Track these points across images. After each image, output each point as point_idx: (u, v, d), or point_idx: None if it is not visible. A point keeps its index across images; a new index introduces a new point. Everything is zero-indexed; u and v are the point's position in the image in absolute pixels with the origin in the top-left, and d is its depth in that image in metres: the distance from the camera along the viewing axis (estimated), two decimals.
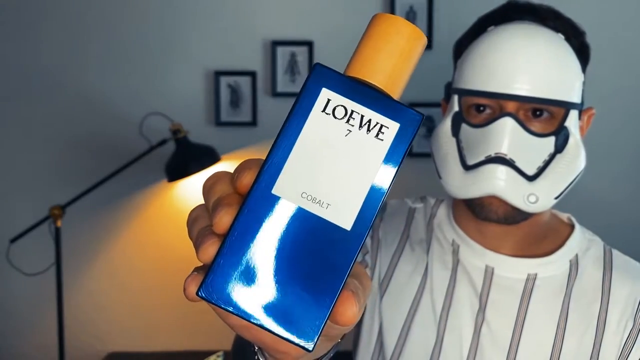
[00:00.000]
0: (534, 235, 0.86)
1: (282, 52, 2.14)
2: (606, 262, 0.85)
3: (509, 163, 0.75)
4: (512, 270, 0.84)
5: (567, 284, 0.84)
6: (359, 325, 0.91)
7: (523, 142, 0.76)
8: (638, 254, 0.88)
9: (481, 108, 0.80)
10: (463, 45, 0.86)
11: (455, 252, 0.88)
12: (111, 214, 2.19)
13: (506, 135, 0.75)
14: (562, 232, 0.88)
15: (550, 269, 0.84)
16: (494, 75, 0.76)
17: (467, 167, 0.78)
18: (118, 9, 2.14)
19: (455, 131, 0.81)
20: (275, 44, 2.13)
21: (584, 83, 0.82)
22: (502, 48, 0.77)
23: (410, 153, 2.10)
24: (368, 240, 0.92)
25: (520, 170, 0.76)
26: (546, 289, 0.83)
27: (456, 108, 0.82)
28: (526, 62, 0.75)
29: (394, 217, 0.95)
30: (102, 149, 2.15)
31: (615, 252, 0.87)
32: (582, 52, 0.83)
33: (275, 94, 2.15)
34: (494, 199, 0.78)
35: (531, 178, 0.77)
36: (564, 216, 0.92)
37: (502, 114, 0.76)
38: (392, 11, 2.10)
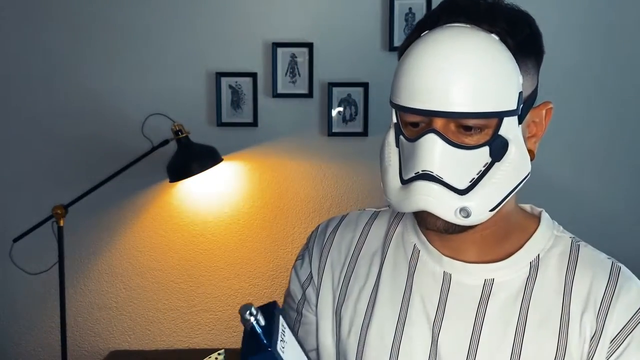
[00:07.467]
0: (495, 236, 0.82)
1: (283, 54, 2.15)
2: (571, 259, 0.82)
3: (437, 179, 0.73)
4: (469, 276, 0.82)
5: (525, 288, 0.81)
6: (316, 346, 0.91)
7: (450, 156, 0.73)
8: (604, 247, 0.85)
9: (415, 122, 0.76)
10: (402, 50, 0.80)
11: (415, 257, 0.86)
12: (113, 213, 2.21)
13: (430, 151, 0.72)
14: (528, 229, 0.85)
15: (507, 273, 0.81)
16: (418, 91, 0.73)
17: (402, 182, 0.77)
18: (120, 9, 2.15)
19: (397, 142, 0.79)
20: (276, 45, 2.14)
21: (525, 82, 0.76)
22: (425, 63, 0.73)
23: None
24: (315, 261, 0.92)
25: (450, 185, 0.73)
26: (503, 294, 0.80)
27: (394, 119, 0.79)
28: (449, 76, 0.71)
29: (348, 228, 0.93)
30: (104, 149, 2.16)
31: (582, 248, 0.84)
32: (525, 47, 0.76)
33: (276, 95, 2.16)
34: (428, 213, 0.75)
35: (463, 192, 0.74)
36: (536, 210, 0.88)
37: (427, 130, 0.73)
38: (391, 12, 2.12)
